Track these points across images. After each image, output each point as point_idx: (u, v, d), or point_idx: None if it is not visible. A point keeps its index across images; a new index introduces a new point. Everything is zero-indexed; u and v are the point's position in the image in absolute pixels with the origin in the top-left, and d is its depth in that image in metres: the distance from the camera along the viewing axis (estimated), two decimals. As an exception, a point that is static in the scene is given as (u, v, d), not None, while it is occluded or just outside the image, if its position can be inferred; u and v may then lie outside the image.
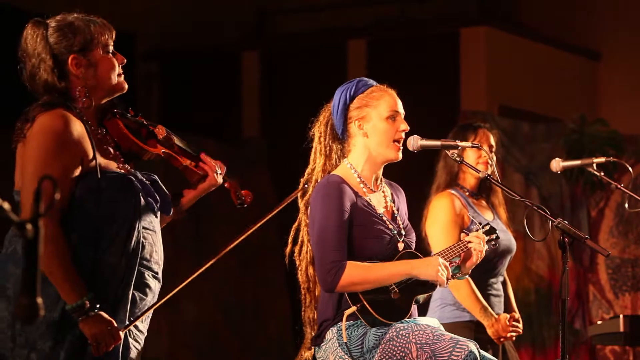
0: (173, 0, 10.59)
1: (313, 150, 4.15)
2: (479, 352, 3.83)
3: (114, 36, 3.56)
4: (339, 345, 3.93)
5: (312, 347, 4.09)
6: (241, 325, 9.29)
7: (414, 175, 5.26)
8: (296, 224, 4.15)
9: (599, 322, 6.73)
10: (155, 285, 3.57)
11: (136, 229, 3.46)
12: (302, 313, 4.15)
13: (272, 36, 10.68)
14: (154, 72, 10.55)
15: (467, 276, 4.16)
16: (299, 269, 4.14)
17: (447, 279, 4.07)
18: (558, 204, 8.10)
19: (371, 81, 4.14)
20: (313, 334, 4.10)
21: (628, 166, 5.18)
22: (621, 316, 6.08)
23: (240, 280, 9.28)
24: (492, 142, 5.18)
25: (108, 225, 3.42)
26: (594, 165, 5.02)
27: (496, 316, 5.01)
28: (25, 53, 3.48)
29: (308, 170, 4.15)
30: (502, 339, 5.03)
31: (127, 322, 3.46)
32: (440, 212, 5.07)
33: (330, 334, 3.97)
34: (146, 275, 3.52)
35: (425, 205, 5.17)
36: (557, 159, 5.05)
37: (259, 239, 6.62)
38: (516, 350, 5.31)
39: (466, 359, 3.77)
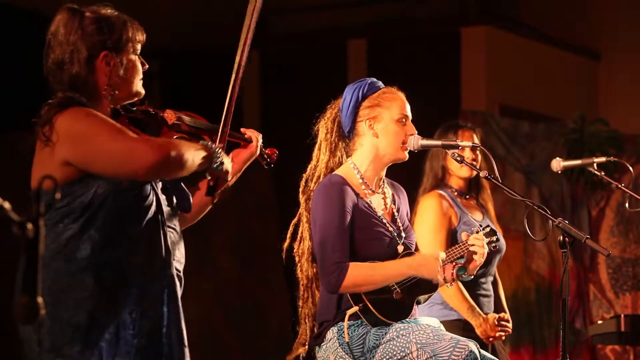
0: (174, 0, 10.58)
1: (317, 146, 4.14)
2: (480, 352, 3.83)
3: (144, 39, 3.49)
4: (340, 345, 3.92)
5: (307, 344, 4.09)
6: (242, 325, 9.29)
7: (416, 176, 5.26)
8: (295, 219, 4.14)
9: (600, 322, 6.71)
10: (177, 284, 3.40)
11: (161, 228, 3.35)
12: (299, 309, 4.14)
13: (272, 36, 10.67)
14: (155, 72, 10.54)
15: (472, 277, 4.14)
16: (298, 265, 4.13)
17: (452, 279, 4.06)
18: (559, 203, 8.10)
19: (380, 83, 4.14)
20: (308, 330, 4.10)
21: (629, 166, 5.17)
22: (622, 316, 6.07)
23: (241, 279, 9.27)
24: (476, 140, 5.18)
25: (132, 225, 3.29)
26: (595, 164, 5.02)
27: (484, 316, 5.01)
28: (56, 40, 3.31)
29: (310, 165, 4.15)
30: (491, 339, 5.03)
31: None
32: (427, 212, 5.09)
33: (331, 333, 3.96)
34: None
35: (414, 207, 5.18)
36: (557, 158, 5.04)
37: (260, 238, 6.61)
38: (506, 350, 5.31)
39: (466, 359, 3.77)
